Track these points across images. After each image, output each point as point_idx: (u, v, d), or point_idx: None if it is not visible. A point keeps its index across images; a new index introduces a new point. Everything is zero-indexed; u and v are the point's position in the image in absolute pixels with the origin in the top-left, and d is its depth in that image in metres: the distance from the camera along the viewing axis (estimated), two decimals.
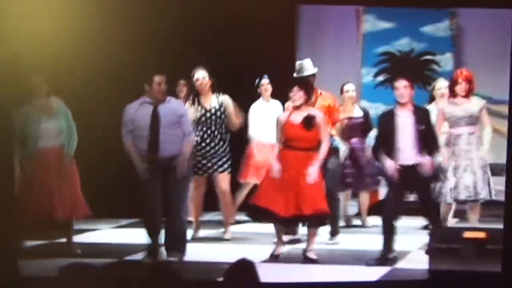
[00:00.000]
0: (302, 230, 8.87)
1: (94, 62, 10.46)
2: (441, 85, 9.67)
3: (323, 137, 8.15)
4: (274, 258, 8.26)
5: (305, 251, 8.33)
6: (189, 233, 9.03)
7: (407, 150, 8.08)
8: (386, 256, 8.16)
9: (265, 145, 9.59)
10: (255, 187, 9.37)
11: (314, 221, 8.21)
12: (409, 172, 8.06)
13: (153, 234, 8.21)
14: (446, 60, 11.77)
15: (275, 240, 8.45)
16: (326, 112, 8.83)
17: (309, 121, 8.07)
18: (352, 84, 10.36)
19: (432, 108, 9.23)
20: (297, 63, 9.22)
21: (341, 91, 10.20)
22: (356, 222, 10.60)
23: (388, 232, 8.20)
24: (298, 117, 8.13)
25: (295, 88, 8.14)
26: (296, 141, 8.12)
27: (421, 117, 8.11)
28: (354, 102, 10.33)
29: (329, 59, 11.36)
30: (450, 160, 8.89)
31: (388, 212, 8.29)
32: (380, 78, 11.90)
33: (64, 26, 9.45)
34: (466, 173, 8.87)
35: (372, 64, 11.93)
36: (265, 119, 9.72)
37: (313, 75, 9.04)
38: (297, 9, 12.09)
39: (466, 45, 11.96)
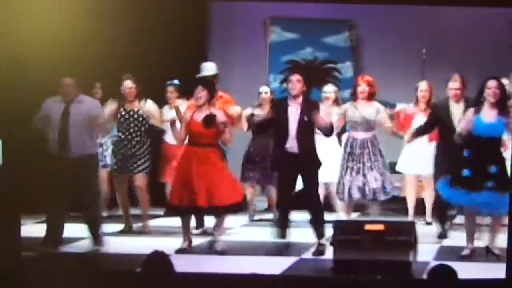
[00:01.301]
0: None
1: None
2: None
3: (226, 130, 8.27)
4: (182, 251, 8.22)
5: (213, 243, 8.37)
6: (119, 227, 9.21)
7: (293, 139, 8.15)
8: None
9: (176, 147, 9.57)
10: None
11: (224, 212, 8.28)
12: (294, 160, 8.13)
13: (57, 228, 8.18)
14: (346, 68, 11.95)
15: (184, 236, 8.42)
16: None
17: (210, 120, 8.14)
18: (267, 86, 10.34)
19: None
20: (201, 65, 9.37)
21: (258, 93, 10.14)
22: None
23: (282, 220, 8.29)
24: (200, 116, 8.19)
25: (199, 88, 8.23)
26: (198, 137, 8.18)
27: (308, 109, 8.14)
28: (270, 103, 10.21)
29: (239, 66, 11.41)
30: (346, 161, 9.05)
31: (281, 203, 8.39)
32: (286, 85, 11.96)
33: None
34: (358, 175, 9.04)
35: (279, 71, 12.01)
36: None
37: (215, 76, 9.21)
38: (209, 19, 12.11)
39: (364, 54, 12.17)
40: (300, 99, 8.18)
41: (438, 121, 8.94)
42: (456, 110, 8.84)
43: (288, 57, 12.05)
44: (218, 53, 11.24)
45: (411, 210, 9.85)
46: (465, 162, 7.95)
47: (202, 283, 6.68)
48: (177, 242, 8.49)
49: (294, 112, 8.15)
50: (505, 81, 9.49)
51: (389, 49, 11.69)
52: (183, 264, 7.28)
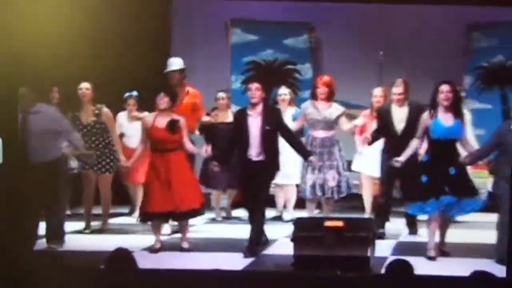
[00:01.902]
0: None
1: None
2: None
3: (185, 138, 8.21)
4: (155, 251, 8.15)
5: (181, 240, 8.33)
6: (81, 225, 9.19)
7: (254, 148, 8.13)
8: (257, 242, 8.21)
9: (133, 151, 9.52)
10: None
11: (188, 216, 8.26)
12: (259, 167, 8.10)
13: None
14: (306, 69, 11.96)
15: (154, 236, 8.32)
16: (193, 108, 9.10)
17: (173, 125, 8.09)
18: (224, 92, 10.26)
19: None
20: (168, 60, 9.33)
21: (215, 98, 10.09)
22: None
23: (252, 221, 8.23)
24: (163, 121, 8.12)
25: (161, 94, 8.17)
26: (162, 143, 8.12)
27: (269, 117, 8.14)
28: (228, 107, 10.15)
29: (201, 68, 11.33)
30: (309, 160, 9.04)
31: (245, 202, 8.40)
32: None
33: None
34: (319, 173, 9.05)
35: (240, 72, 11.98)
36: (131, 127, 9.91)
37: (182, 71, 9.10)
38: (170, 21, 12.06)
39: (323, 56, 12.18)
40: (260, 107, 8.14)
41: (383, 125, 8.97)
42: (399, 114, 8.87)
43: (249, 58, 12.03)
44: (180, 54, 11.13)
45: (367, 208, 9.87)
46: (424, 168, 7.98)
47: (165, 279, 6.65)
48: (140, 239, 8.48)
49: (255, 122, 8.10)
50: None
51: (347, 51, 11.74)
52: (146, 261, 7.26)
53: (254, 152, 8.11)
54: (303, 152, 8.45)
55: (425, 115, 7.98)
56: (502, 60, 11.58)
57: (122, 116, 10.11)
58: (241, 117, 8.20)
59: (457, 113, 7.90)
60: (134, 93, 10.08)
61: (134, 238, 8.84)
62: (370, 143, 9.04)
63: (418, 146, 8.12)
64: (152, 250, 8.15)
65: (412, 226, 9.15)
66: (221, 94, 10.07)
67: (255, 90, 8.11)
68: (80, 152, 8.70)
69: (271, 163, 8.14)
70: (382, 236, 8.70)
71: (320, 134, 9.12)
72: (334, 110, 9.14)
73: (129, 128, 9.98)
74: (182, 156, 8.21)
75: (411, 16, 11.58)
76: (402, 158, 8.10)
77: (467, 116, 9.77)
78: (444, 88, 7.88)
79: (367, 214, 9.74)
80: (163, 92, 8.19)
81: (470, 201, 7.89)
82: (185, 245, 8.24)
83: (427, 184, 7.87)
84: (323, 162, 9.05)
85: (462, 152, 8.07)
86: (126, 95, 10.08)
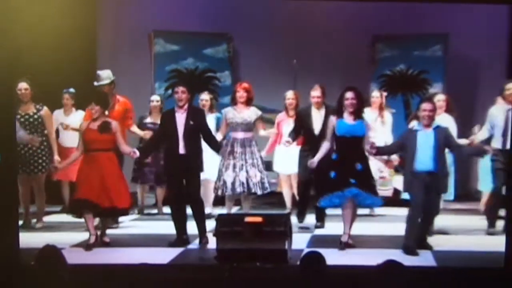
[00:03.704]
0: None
1: None
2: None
3: (120, 140, 8.18)
4: (90, 247, 8.00)
5: (101, 236, 8.24)
6: None
7: (180, 142, 8.12)
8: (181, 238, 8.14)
9: (68, 149, 9.51)
10: None
11: (116, 214, 8.31)
12: (181, 160, 8.09)
13: None
14: (225, 77, 11.94)
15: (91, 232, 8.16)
16: (123, 115, 9.08)
17: (105, 126, 8.09)
18: (158, 96, 10.40)
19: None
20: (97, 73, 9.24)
21: (149, 101, 10.23)
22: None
23: (174, 217, 8.17)
24: (95, 124, 8.15)
25: (92, 104, 8.20)
26: (95, 143, 8.08)
27: (194, 115, 8.19)
28: (160, 111, 10.14)
29: (126, 75, 11.14)
30: (227, 159, 9.04)
31: (171, 199, 8.31)
32: (170, 91, 11.86)
33: None
34: (242, 171, 9.03)
35: (163, 80, 11.89)
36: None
37: (111, 83, 9.07)
38: (97, 33, 11.91)
39: (240, 64, 12.19)
40: (185, 107, 8.21)
41: (302, 126, 9.04)
42: (317, 116, 9.00)
43: (171, 67, 11.95)
44: (107, 64, 10.95)
45: (288, 204, 9.92)
46: (332, 165, 8.04)
47: (94, 274, 6.51)
48: (72, 236, 8.35)
49: (181, 118, 8.16)
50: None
51: (263, 60, 11.80)
52: (75, 257, 7.09)
53: (180, 146, 8.12)
54: (216, 149, 8.51)
55: (332, 118, 8.15)
56: (403, 69, 11.76)
57: (58, 113, 9.89)
58: (169, 116, 8.28)
59: (359, 116, 8.04)
60: (71, 89, 9.93)
61: (66, 235, 8.65)
62: (290, 143, 9.11)
63: (328, 148, 8.16)
64: (87, 246, 7.99)
65: (320, 220, 9.22)
66: (155, 97, 10.25)
67: (181, 93, 8.20)
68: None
69: (193, 158, 8.11)
70: (320, 226, 8.99)
71: (240, 135, 9.16)
72: (252, 113, 9.20)
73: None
74: (113, 157, 8.16)
75: (322, 27, 11.67)
76: (316, 159, 8.19)
77: (389, 118, 9.92)
78: (349, 94, 8.03)
79: (288, 209, 9.74)
80: (93, 102, 8.19)
81: (371, 197, 8.00)
82: (107, 239, 8.24)
83: (335, 179, 7.97)
84: (244, 161, 9.06)
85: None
86: (64, 91, 9.93)
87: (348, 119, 8.02)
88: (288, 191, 9.92)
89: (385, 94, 10.24)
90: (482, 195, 9.98)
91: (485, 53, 11.56)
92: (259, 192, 9.12)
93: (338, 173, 7.96)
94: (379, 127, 9.76)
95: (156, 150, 8.85)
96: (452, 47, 11.51)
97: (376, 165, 9.71)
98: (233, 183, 9.05)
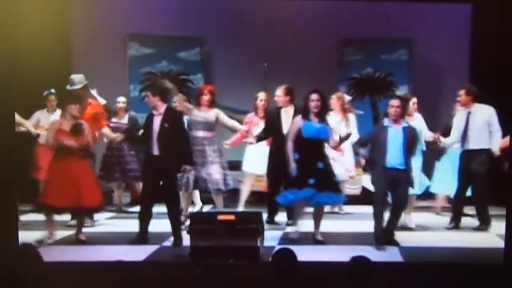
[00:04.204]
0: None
1: None
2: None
3: (90, 140, 8.20)
4: (41, 243, 7.88)
5: (76, 234, 8.21)
6: None
7: (155, 145, 8.10)
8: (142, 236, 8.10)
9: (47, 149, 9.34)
10: None
11: (89, 211, 8.23)
12: (155, 161, 8.07)
13: None
14: (198, 79, 11.94)
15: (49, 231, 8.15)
16: (94, 118, 9.04)
17: (77, 128, 8.06)
18: (124, 97, 10.43)
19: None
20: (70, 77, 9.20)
21: (117, 103, 10.28)
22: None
23: (140, 216, 8.13)
24: (68, 125, 8.11)
25: (70, 106, 8.20)
26: (66, 144, 8.03)
27: (169, 117, 8.15)
28: (126, 112, 10.33)
29: (101, 78, 11.06)
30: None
31: (142, 198, 8.31)
32: (145, 93, 11.82)
33: None
34: (203, 169, 9.02)
35: (138, 82, 11.84)
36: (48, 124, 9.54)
37: (84, 87, 9.05)
38: (71, 37, 11.84)
39: (213, 67, 12.17)
40: (163, 109, 8.19)
41: (271, 127, 9.04)
42: (286, 116, 8.99)
43: (146, 69, 11.92)
44: (82, 66, 10.86)
45: (242, 200, 9.89)
46: (296, 164, 8.04)
47: (70, 271, 6.46)
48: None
49: (157, 120, 8.16)
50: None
51: (235, 63, 11.82)
52: (52, 255, 7.00)
53: (154, 147, 8.11)
54: (188, 158, 8.36)
55: (297, 119, 8.20)
56: (370, 72, 11.81)
57: (42, 113, 9.79)
58: (148, 119, 8.31)
59: (323, 118, 8.09)
60: (52, 90, 9.85)
61: (43, 234, 8.49)
62: (256, 143, 9.16)
63: (293, 147, 8.15)
64: (39, 241, 7.89)
65: (291, 218, 9.20)
66: (122, 99, 10.31)
67: (147, 97, 8.26)
68: None
69: (167, 159, 8.06)
70: (292, 224, 8.86)
71: (200, 133, 9.16)
72: (213, 113, 9.25)
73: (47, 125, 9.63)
74: (83, 157, 8.11)
75: (293, 31, 11.70)
76: (293, 164, 8.07)
77: (353, 120, 9.94)
78: (314, 96, 8.08)
79: (241, 207, 9.75)
80: (71, 105, 8.17)
81: (332, 195, 8.02)
82: (82, 237, 8.18)
83: (296, 178, 8.00)
84: (205, 158, 9.06)
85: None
86: (46, 93, 9.83)
87: (314, 121, 8.06)
88: (248, 189, 9.92)
89: (349, 97, 10.22)
90: (437, 196, 10.09)
91: (448, 56, 11.68)
92: (223, 188, 9.12)
93: (299, 172, 7.99)
94: (344, 129, 9.76)
95: (139, 144, 8.92)
96: (416, 51, 11.61)
97: (344, 166, 9.75)
98: (195, 180, 9.05)
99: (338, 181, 8.56)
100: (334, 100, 9.94)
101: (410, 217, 9.08)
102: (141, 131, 9.42)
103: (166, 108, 8.23)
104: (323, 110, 8.12)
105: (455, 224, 9.06)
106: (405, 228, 8.89)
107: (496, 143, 8.81)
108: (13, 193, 6.82)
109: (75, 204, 7.94)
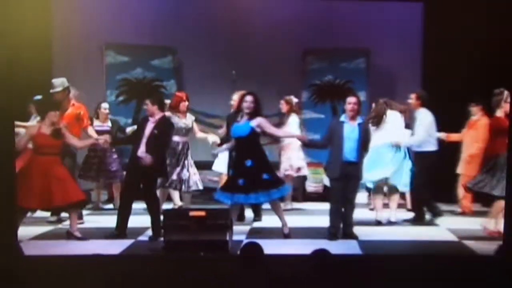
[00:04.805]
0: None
1: None
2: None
3: (72, 141, 8.18)
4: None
5: (69, 230, 8.14)
6: None
7: (142, 146, 8.13)
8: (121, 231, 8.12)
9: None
10: None
11: (71, 208, 8.05)
12: (138, 162, 8.09)
13: None
14: (171, 85, 11.93)
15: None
16: (76, 118, 9.05)
17: (57, 132, 7.99)
18: (107, 104, 10.55)
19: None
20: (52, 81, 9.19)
21: (99, 108, 10.34)
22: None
23: (119, 212, 8.19)
24: (47, 129, 8.01)
25: (51, 112, 8.06)
26: (45, 148, 7.94)
27: (160, 125, 8.21)
28: (107, 116, 10.40)
29: (79, 84, 11.02)
30: (173, 160, 9.08)
31: (123, 194, 8.36)
32: (121, 98, 11.84)
33: None
34: (183, 170, 9.08)
35: (114, 88, 11.82)
36: None
37: (65, 89, 9.02)
38: (51, 42, 11.79)
39: (184, 74, 12.21)
40: (157, 118, 8.27)
41: (228, 130, 9.03)
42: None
43: (122, 76, 11.88)
44: (61, 73, 10.81)
45: None
46: (232, 163, 8.23)
47: (50, 264, 6.45)
48: (29, 230, 8.24)
49: (149, 126, 8.25)
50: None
51: (205, 70, 11.86)
52: (33, 249, 6.99)
53: (141, 148, 8.15)
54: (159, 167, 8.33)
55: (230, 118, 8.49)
56: (331, 79, 11.92)
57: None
58: (141, 122, 8.45)
59: (252, 118, 8.02)
60: (38, 97, 9.68)
61: (24, 229, 8.45)
62: (216, 144, 9.36)
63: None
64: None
65: (257, 214, 9.29)
66: (106, 105, 10.45)
67: (145, 105, 8.41)
68: None
69: (152, 162, 8.09)
70: (258, 220, 9.16)
71: (182, 139, 9.31)
72: (190, 120, 9.42)
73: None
74: (58, 160, 8.06)
75: (259, 41, 11.79)
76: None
77: (296, 119, 10.03)
78: (248, 98, 8.10)
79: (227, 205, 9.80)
80: (52, 112, 8.03)
81: (260, 195, 7.95)
82: (77, 233, 8.08)
83: (231, 176, 8.13)
84: (185, 161, 9.24)
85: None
86: (33, 100, 9.68)
87: (242, 121, 8.09)
88: None
89: (296, 100, 10.28)
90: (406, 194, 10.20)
91: (401, 63, 11.86)
92: (201, 187, 9.34)
93: (234, 171, 8.13)
94: (297, 129, 9.89)
95: (127, 144, 9.06)
96: (373, 60, 11.76)
97: (289, 161, 9.95)
98: (176, 181, 9.20)
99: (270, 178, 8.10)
100: (283, 104, 10.06)
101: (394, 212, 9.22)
102: (128, 130, 9.76)
103: (161, 117, 8.32)
104: (255, 111, 8.05)
105: (417, 217, 9.22)
106: (391, 223, 9.12)
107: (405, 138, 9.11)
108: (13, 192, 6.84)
109: (45, 205, 7.85)
